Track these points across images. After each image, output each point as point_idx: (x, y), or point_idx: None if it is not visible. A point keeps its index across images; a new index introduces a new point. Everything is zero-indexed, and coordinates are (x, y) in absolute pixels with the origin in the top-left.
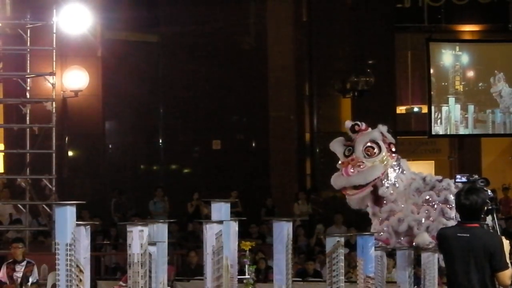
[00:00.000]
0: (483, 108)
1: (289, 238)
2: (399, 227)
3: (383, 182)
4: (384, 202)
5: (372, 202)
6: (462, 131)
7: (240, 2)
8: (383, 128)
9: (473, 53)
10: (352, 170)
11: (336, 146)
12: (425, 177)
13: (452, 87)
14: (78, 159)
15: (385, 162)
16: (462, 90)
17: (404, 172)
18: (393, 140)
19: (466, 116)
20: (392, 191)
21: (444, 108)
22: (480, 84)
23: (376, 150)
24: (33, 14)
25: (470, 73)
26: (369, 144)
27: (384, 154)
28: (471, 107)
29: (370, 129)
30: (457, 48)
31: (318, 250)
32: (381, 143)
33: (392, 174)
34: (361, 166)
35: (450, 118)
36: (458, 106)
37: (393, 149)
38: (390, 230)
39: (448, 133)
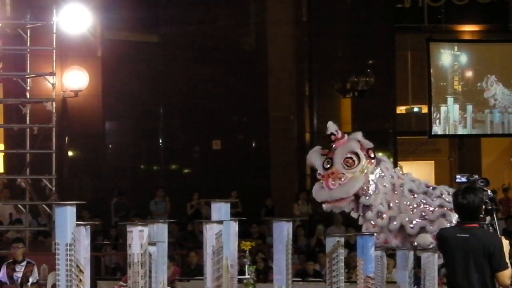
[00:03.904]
0: (481, 108)
1: (289, 238)
2: (390, 225)
3: (364, 190)
4: (373, 207)
5: (358, 208)
6: (460, 131)
7: (240, 2)
8: (358, 135)
9: (472, 53)
10: (333, 183)
11: (314, 158)
12: (414, 180)
13: (451, 87)
14: (78, 159)
15: (365, 171)
16: (460, 90)
17: (384, 175)
18: (370, 145)
19: (464, 116)
20: (374, 197)
21: (443, 108)
22: (478, 84)
23: (355, 160)
24: (33, 14)
25: (469, 73)
26: (348, 155)
27: (363, 163)
28: (469, 107)
29: (346, 136)
30: (456, 48)
31: (319, 250)
32: (359, 152)
33: (372, 181)
34: (342, 179)
35: (449, 118)
36: (456, 106)
37: (372, 155)
38: (385, 230)
39: (447, 133)
